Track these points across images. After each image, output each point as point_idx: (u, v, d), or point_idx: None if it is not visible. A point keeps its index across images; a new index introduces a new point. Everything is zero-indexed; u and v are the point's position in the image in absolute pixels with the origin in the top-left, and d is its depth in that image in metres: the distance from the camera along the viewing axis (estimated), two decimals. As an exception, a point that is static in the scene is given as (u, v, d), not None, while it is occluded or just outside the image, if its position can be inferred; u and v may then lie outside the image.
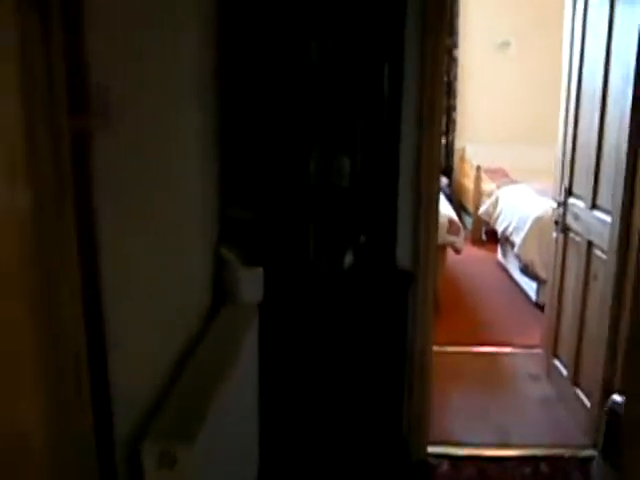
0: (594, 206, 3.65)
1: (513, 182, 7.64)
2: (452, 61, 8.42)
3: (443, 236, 5.42)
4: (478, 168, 7.62)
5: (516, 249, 5.68)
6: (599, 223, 3.54)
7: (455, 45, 8.39)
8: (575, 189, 3.98)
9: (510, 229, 6.16)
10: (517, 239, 5.82)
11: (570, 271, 4.02)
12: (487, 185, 7.75)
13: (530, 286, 5.83)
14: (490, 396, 4.29)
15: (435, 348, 3.55)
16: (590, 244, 3.71)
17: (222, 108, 2.95)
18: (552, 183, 6.34)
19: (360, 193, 3.11)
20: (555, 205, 4.17)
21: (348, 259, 3.15)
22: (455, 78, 8.51)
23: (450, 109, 8.57)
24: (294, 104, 2.93)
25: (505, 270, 6.61)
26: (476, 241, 7.68)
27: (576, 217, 3.90)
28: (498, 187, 7.38)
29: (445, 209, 5.70)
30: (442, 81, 3.20)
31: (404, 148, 3.09)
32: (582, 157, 3.84)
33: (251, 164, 3.06)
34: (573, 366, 3.87)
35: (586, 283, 3.76)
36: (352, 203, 3.12)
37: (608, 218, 3.42)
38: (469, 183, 7.96)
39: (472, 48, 8.51)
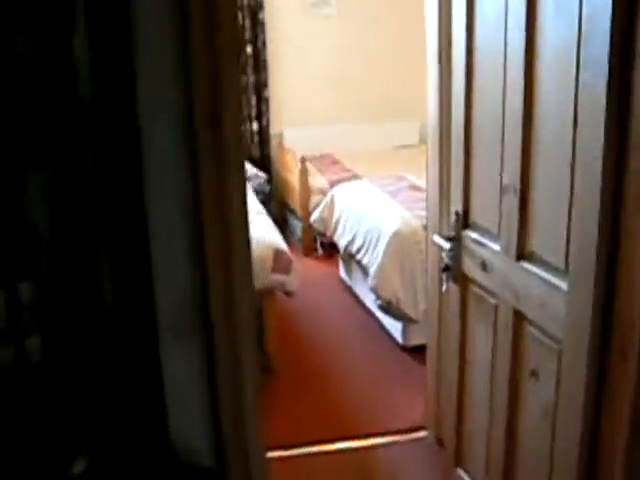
0: (523, 256, 2.09)
1: (349, 174, 6.08)
2: (258, 26, 6.70)
3: (266, 276, 3.75)
4: (303, 160, 5.97)
5: (370, 281, 4.08)
6: (540, 286, 1.98)
7: (260, 5, 6.66)
8: (475, 217, 2.41)
9: (356, 246, 4.56)
10: (369, 265, 4.23)
11: (477, 341, 2.48)
12: (317, 180, 6.13)
13: (394, 325, 4.27)
14: None
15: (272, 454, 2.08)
16: (521, 316, 2.15)
17: None
18: (400, 175, 4.79)
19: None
20: (433, 231, 2.61)
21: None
22: (263, 47, 6.78)
23: (260, 86, 6.86)
24: None
25: (352, 293, 5.04)
26: (310, 252, 6.04)
27: (484, 265, 2.33)
28: (332, 184, 5.78)
29: (265, 233, 4.02)
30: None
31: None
32: (487, 155, 2.27)
33: None
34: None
35: (514, 377, 2.22)
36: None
37: (563, 284, 1.85)
38: (293, 179, 6.30)
39: (281, 8, 6.83)
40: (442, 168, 2.68)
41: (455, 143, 2.51)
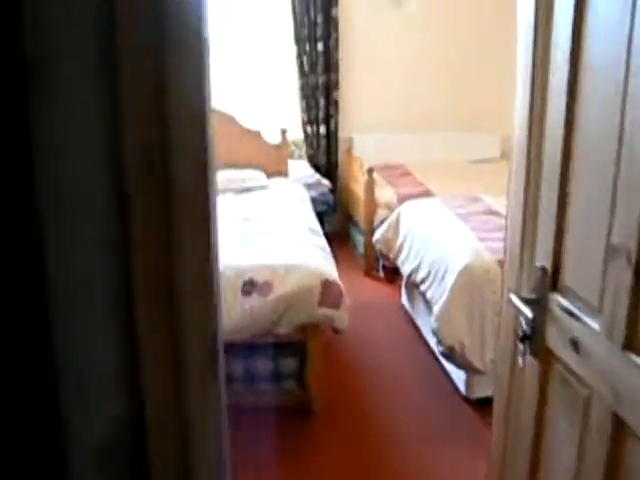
0: (632, 345, 1.51)
1: (419, 189, 5.51)
2: (331, 22, 6.18)
3: (311, 310, 3.25)
4: (370, 171, 5.43)
5: (433, 323, 3.51)
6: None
7: (334, 1, 6.15)
8: (568, 278, 1.84)
9: (420, 276, 4.00)
10: (432, 300, 3.67)
11: (557, 439, 1.91)
12: (384, 193, 5.58)
13: (457, 372, 3.70)
14: None
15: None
16: (622, 424, 1.57)
17: None
18: (475, 196, 4.24)
19: None
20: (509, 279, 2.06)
21: None
22: (335, 45, 6.26)
23: (330, 87, 6.34)
24: None
25: (413, 324, 4.48)
26: (371, 271, 5.50)
27: (575, 344, 1.75)
28: (400, 199, 5.22)
29: (314, 258, 3.51)
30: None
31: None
32: (591, 199, 1.70)
33: None
34: None
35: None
36: None
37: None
38: (359, 189, 5.76)
39: (356, 5, 6.30)
40: (527, 205, 2.11)
41: (547, 176, 1.93)
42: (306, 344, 3.48)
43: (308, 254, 3.56)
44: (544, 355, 1.93)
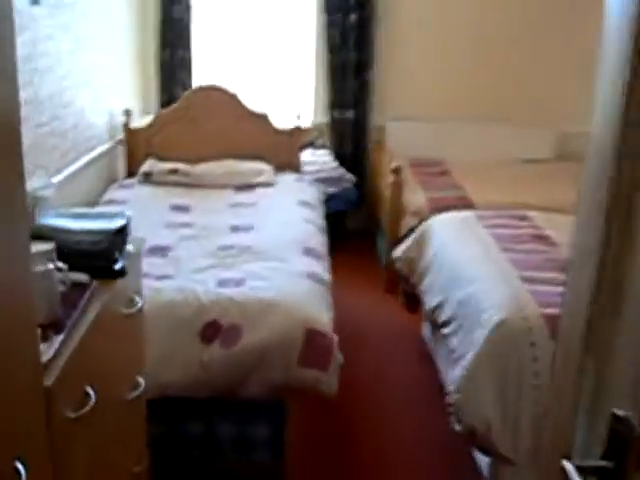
0: None
1: (456, 194, 4.64)
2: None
3: (289, 370, 2.45)
4: (397, 170, 4.57)
5: (452, 394, 2.67)
6: None
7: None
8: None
9: (444, 315, 3.17)
10: (455, 353, 2.82)
11: None
12: (415, 196, 4.71)
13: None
14: None
15: None
16: None
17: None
18: (521, 214, 3.41)
19: None
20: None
21: None
22: (372, 16, 5.37)
23: (362, 66, 5.46)
24: None
25: (432, 366, 3.62)
26: (394, 288, 4.62)
27: None
28: (431, 208, 4.36)
29: (299, 292, 2.70)
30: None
31: None
32: None
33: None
34: None
35: None
36: None
37: None
38: (386, 189, 4.89)
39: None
40: (604, 268, 1.25)
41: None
42: (284, 406, 2.67)
43: (294, 288, 2.73)
44: None
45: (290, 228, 3.46)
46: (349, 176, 5.30)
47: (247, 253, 3.13)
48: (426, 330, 3.94)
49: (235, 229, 3.49)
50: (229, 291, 2.70)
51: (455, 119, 5.60)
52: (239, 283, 2.78)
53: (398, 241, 4.53)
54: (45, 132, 3.41)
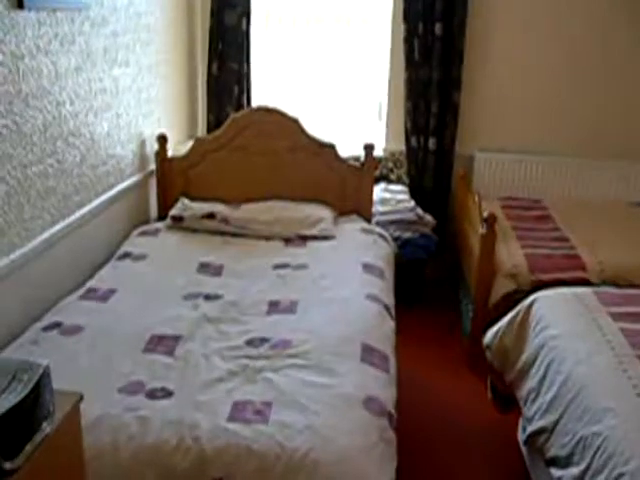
0: None
1: (564, 252, 3.71)
2: None
3: None
4: (491, 219, 3.60)
5: None
6: None
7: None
8: None
9: (556, 448, 2.25)
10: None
11: None
12: (509, 249, 3.79)
13: None
14: None
15: None
16: None
17: None
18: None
19: None
20: None
21: None
22: (461, 29, 4.44)
23: (449, 86, 4.54)
24: None
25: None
26: (479, 364, 3.61)
27: None
28: (532, 269, 3.45)
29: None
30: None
31: None
32: None
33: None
34: None
35: None
36: None
37: None
38: (472, 238, 3.96)
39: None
40: None
41: None
42: None
43: (342, 430, 1.85)
44: None
45: (348, 312, 2.58)
46: (429, 218, 4.39)
47: (283, 353, 2.26)
48: (521, 434, 3.00)
49: (274, 307, 2.63)
50: (245, 430, 1.84)
51: (554, 153, 4.63)
52: (261, 413, 1.91)
53: (487, 308, 3.61)
54: (35, 173, 2.63)
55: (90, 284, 2.84)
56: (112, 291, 2.74)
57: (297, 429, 1.84)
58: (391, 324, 2.67)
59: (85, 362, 2.21)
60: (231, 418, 1.90)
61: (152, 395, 2.02)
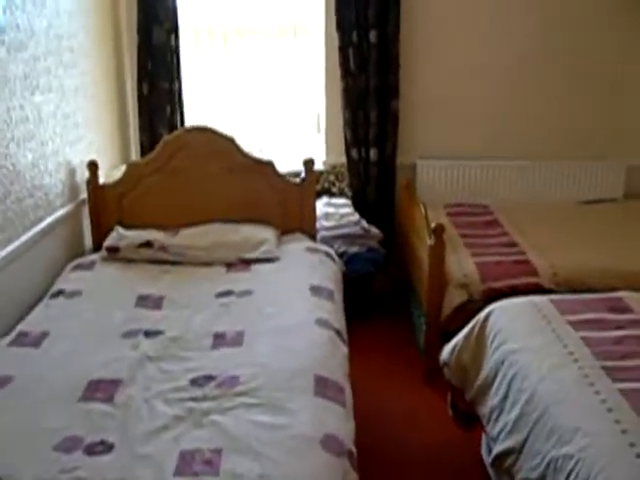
0: None
1: (514, 259, 3.64)
2: (391, 3, 4.28)
3: None
4: (439, 230, 3.51)
5: None
6: None
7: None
8: None
9: (524, 473, 2.12)
10: None
11: None
12: (457, 256, 3.72)
13: None
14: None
15: None
16: None
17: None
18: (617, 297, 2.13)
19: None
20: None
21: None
22: (396, 35, 4.36)
23: (386, 94, 4.44)
24: None
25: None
26: (436, 378, 3.52)
27: None
28: (483, 278, 3.38)
29: None
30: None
31: None
32: None
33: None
34: None
35: None
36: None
37: None
38: (421, 250, 3.87)
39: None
40: None
41: None
42: None
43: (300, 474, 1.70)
44: None
45: (298, 341, 2.44)
46: (375, 231, 4.29)
47: (231, 392, 2.11)
48: (485, 451, 2.90)
49: (219, 340, 2.48)
50: (193, 486, 1.68)
51: (498, 156, 4.59)
52: (211, 463, 1.76)
53: (438, 321, 3.52)
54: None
55: (20, 327, 2.64)
56: (45, 334, 2.55)
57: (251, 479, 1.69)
58: (344, 350, 2.55)
59: (16, 418, 2.02)
60: (178, 472, 1.75)
61: (90, 451, 1.85)
